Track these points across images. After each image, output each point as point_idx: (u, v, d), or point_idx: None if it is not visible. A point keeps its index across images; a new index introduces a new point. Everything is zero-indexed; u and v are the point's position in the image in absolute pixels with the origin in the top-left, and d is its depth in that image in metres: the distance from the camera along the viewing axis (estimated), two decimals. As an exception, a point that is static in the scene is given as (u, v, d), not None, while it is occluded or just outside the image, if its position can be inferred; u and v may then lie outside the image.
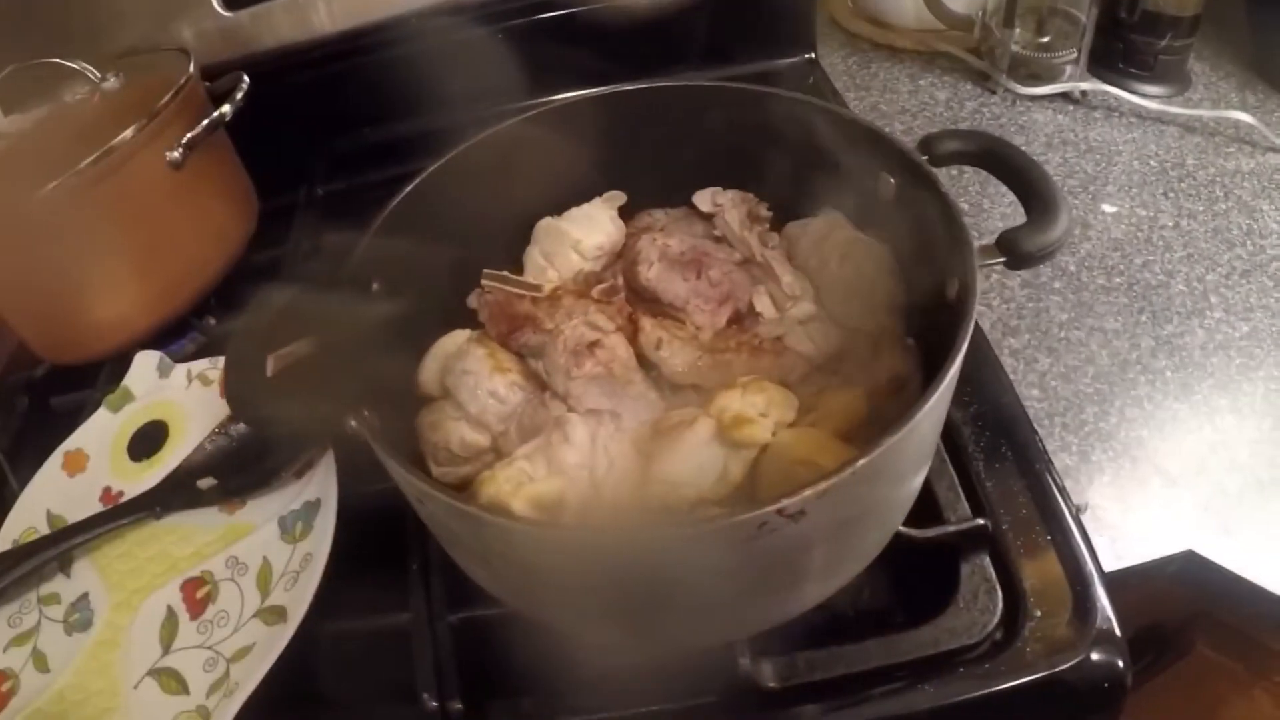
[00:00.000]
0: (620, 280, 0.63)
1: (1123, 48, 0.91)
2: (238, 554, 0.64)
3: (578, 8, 0.88)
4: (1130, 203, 0.83)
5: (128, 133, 0.73)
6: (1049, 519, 0.60)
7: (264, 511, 0.66)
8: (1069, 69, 0.91)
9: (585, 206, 0.67)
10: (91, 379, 0.80)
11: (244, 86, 0.79)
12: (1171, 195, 0.83)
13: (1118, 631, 0.55)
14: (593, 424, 0.55)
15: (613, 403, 0.56)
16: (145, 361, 0.76)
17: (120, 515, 0.67)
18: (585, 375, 0.56)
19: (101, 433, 0.73)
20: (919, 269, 0.59)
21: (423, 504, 0.48)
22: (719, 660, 0.54)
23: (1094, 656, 0.54)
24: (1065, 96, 0.93)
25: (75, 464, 0.72)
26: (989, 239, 0.53)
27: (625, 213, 0.68)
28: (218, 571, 0.64)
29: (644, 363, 0.59)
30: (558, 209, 0.67)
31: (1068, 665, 0.53)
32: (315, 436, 0.52)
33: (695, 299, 0.60)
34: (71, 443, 0.73)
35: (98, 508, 0.70)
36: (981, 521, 0.59)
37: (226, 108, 0.78)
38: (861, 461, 0.42)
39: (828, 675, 0.55)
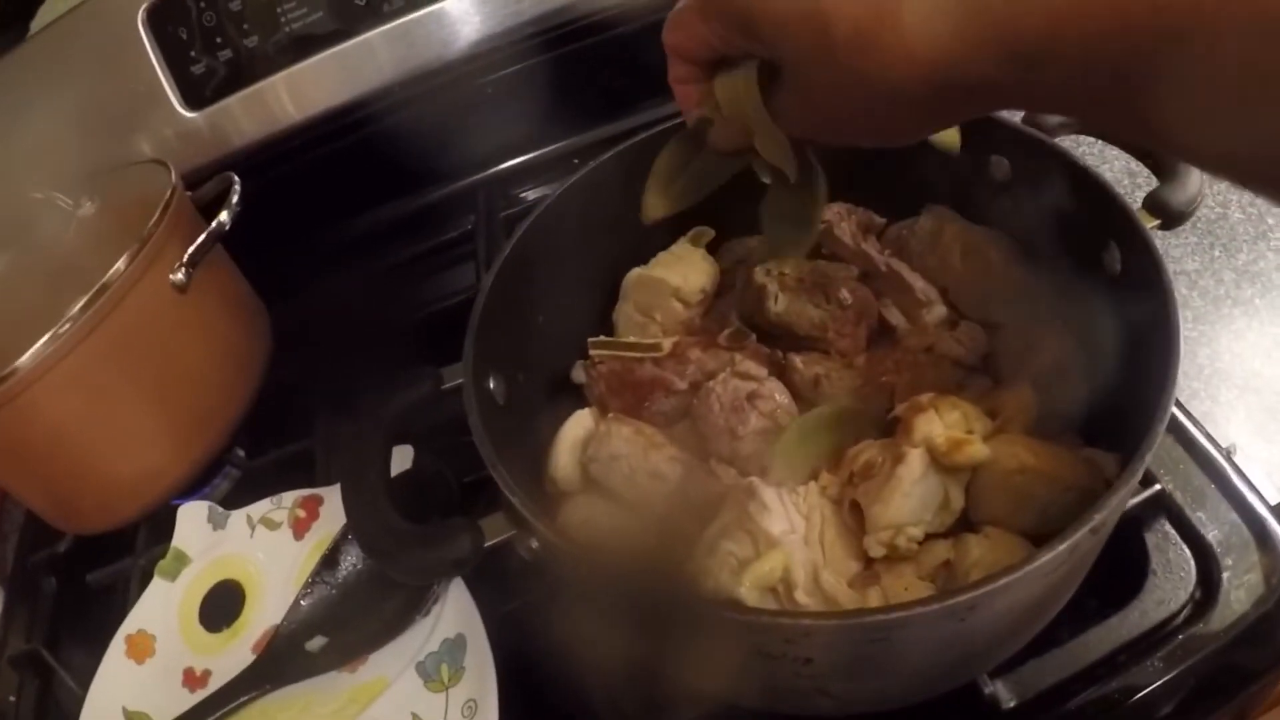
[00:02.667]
0: (736, 322, 0.59)
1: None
2: (378, 717, 0.56)
3: (566, 46, 0.83)
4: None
5: (120, 264, 0.64)
6: (1206, 468, 0.60)
7: (395, 662, 0.58)
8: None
9: (673, 249, 0.62)
10: (128, 545, 0.70)
11: (236, 189, 0.70)
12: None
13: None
14: (773, 484, 0.50)
15: (783, 455, 0.52)
16: (193, 514, 0.66)
17: (224, 701, 0.58)
18: (753, 431, 0.51)
19: (164, 607, 0.64)
20: (1049, 249, 0.57)
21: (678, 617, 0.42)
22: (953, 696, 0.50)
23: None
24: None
25: (141, 649, 0.63)
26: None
27: (712, 247, 0.63)
28: (358, 741, 0.56)
29: (800, 402, 0.54)
30: (637, 259, 0.62)
31: (1273, 603, 0.53)
32: (472, 564, 0.45)
33: (832, 324, 0.56)
34: (130, 624, 0.63)
35: (183, 694, 0.61)
36: (1159, 487, 0.58)
37: (225, 215, 0.69)
38: (1117, 497, 0.40)
39: (1059, 678, 0.52)
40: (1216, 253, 0.74)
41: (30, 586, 0.71)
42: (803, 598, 0.45)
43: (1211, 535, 0.56)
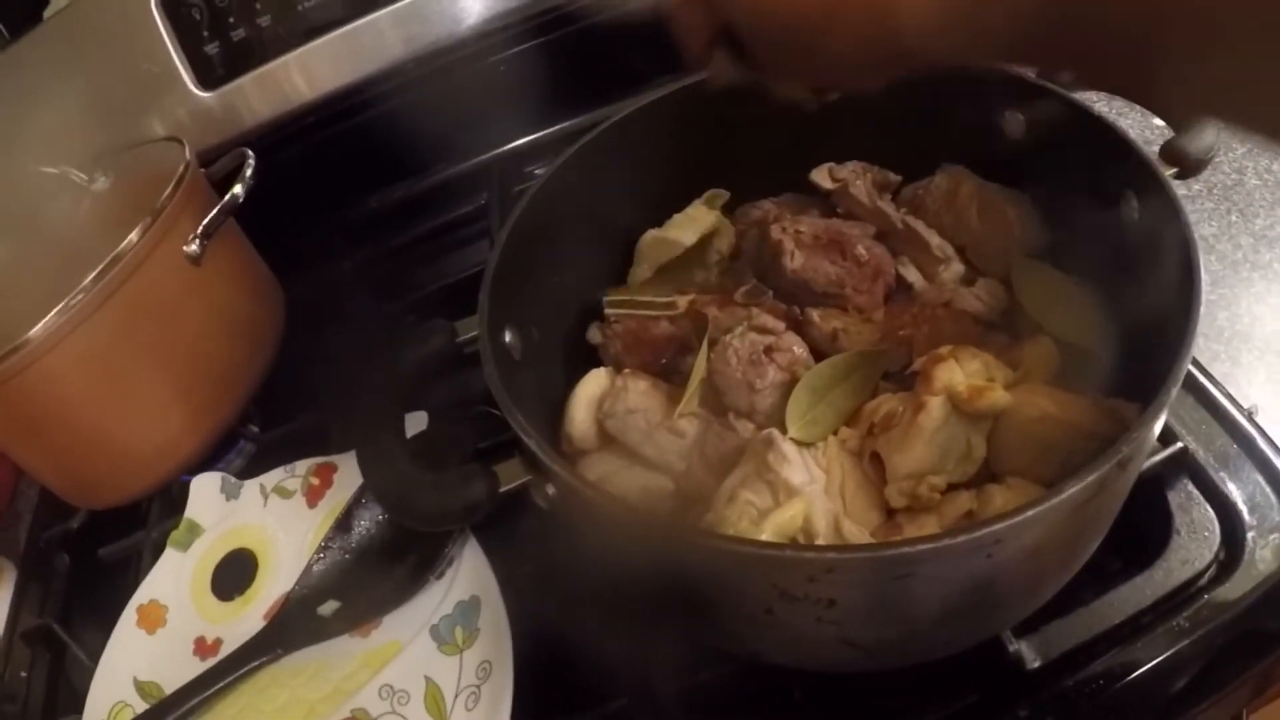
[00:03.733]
0: (752, 280, 0.58)
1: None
2: (392, 681, 0.55)
3: (550, 35, 0.83)
4: (1176, 112, 0.83)
5: (133, 235, 0.63)
6: (1229, 428, 0.59)
7: (408, 625, 0.57)
8: None
9: (688, 210, 0.62)
10: (140, 520, 0.70)
11: (251, 163, 0.70)
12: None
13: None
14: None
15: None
16: (206, 486, 0.66)
17: (229, 670, 0.57)
18: (771, 385, 0.51)
19: (176, 577, 0.64)
20: (1067, 203, 0.57)
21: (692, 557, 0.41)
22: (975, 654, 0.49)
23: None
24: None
25: (153, 619, 0.63)
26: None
27: (727, 210, 0.63)
28: (372, 707, 0.55)
29: (818, 356, 0.54)
30: (657, 220, 0.62)
31: None
32: (488, 508, 0.44)
33: (850, 280, 0.55)
34: (142, 594, 0.63)
35: (194, 662, 0.60)
36: (1181, 445, 0.57)
37: (239, 188, 0.68)
38: (1133, 443, 0.39)
39: (1083, 639, 0.51)
40: (1234, 217, 0.73)
41: (43, 564, 0.71)
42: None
43: (1236, 495, 0.56)
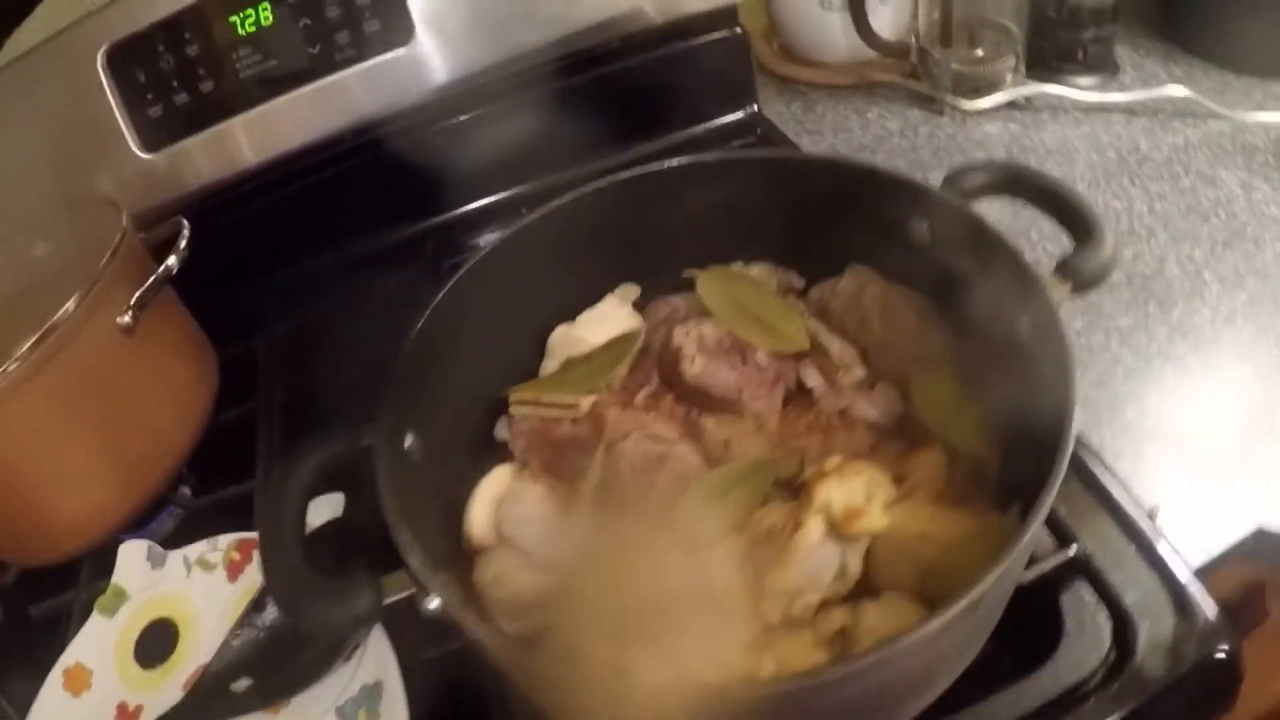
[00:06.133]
0: (655, 381, 0.60)
1: (1052, 46, 0.93)
2: (296, 759, 0.58)
3: (518, 94, 0.84)
4: (1103, 197, 0.84)
5: (69, 305, 0.65)
6: (1127, 530, 0.60)
7: (315, 706, 0.59)
8: (1009, 76, 0.92)
9: (599, 307, 0.63)
10: (72, 579, 0.71)
11: (185, 234, 0.72)
12: (1138, 181, 0.85)
13: (1221, 623, 0.55)
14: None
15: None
16: (133, 553, 0.67)
17: (149, 740, 0.59)
18: (659, 494, 0.52)
19: (101, 642, 0.65)
20: (967, 309, 0.58)
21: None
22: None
23: (1208, 653, 0.54)
24: (1011, 105, 0.94)
25: (78, 682, 0.64)
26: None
27: (640, 305, 0.65)
28: (279, 782, 0.57)
29: (711, 464, 0.55)
30: (568, 315, 0.64)
31: (1187, 668, 0.54)
32: (373, 621, 0.46)
33: (748, 386, 0.57)
34: (68, 658, 0.64)
35: (114, 730, 0.62)
36: (1074, 551, 0.58)
37: (172, 259, 0.70)
38: (987, 582, 0.40)
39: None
40: (1151, 308, 0.75)
41: (-26, 615, 0.72)
42: (695, 664, 0.46)
43: (1129, 598, 0.56)
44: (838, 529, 0.48)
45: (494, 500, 0.55)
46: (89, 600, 0.67)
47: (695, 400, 0.57)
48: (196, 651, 0.64)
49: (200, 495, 0.75)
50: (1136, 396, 0.69)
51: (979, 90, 0.93)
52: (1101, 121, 0.91)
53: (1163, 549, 0.58)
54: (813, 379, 0.59)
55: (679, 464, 0.53)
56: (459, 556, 0.56)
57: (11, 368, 0.63)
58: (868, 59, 0.99)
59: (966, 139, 0.93)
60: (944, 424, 0.55)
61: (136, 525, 0.72)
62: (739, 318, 0.58)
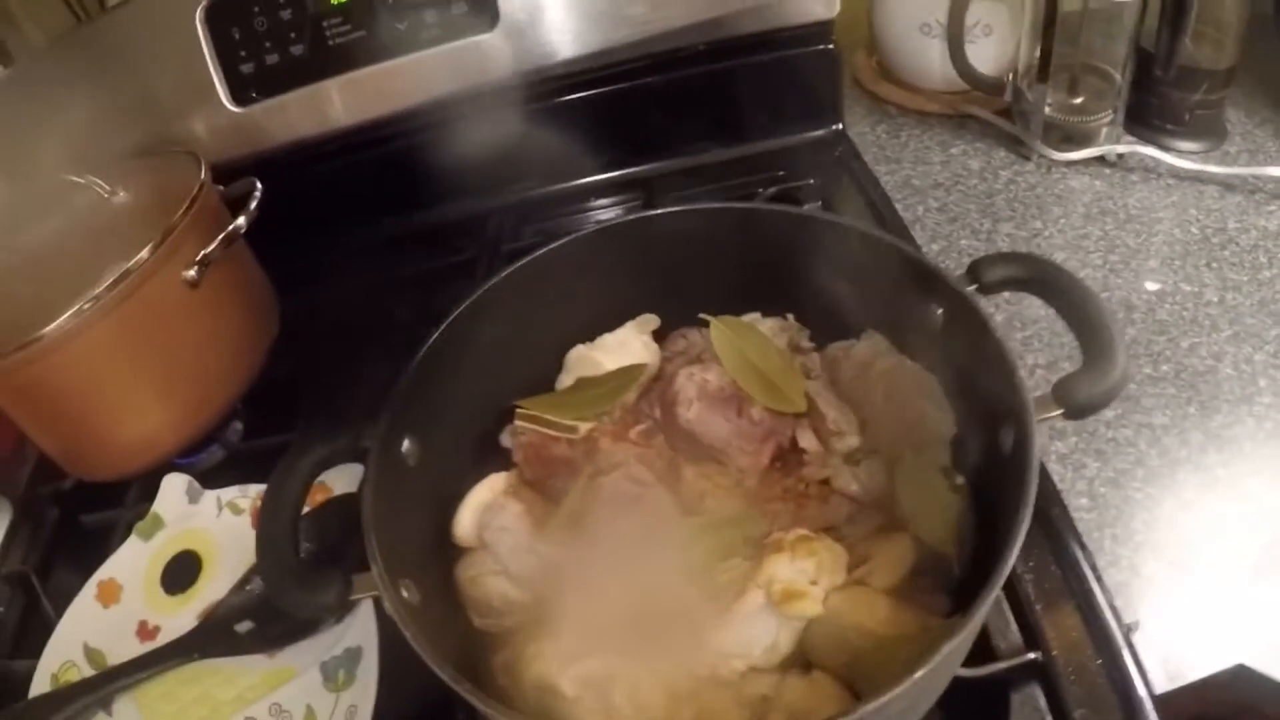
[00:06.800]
0: (658, 414, 0.62)
1: (1157, 103, 0.88)
2: (281, 700, 0.64)
3: (598, 89, 0.86)
4: (1174, 277, 0.80)
5: (143, 254, 0.71)
6: (1099, 642, 0.58)
7: (306, 656, 0.65)
8: (1104, 130, 0.88)
9: (618, 332, 0.65)
10: (120, 497, 0.79)
11: (257, 194, 0.76)
12: (1215, 265, 0.81)
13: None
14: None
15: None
16: (174, 486, 0.74)
17: (159, 660, 0.66)
18: (628, 534, 0.55)
19: (134, 562, 0.72)
20: (968, 402, 0.58)
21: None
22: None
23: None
24: (1101, 160, 0.90)
25: (109, 595, 0.72)
26: (1039, 374, 0.52)
27: (659, 334, 0.66)
28: (261, 718, 0.64)
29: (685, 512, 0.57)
30: (590, 334, 0.66)
31: None
32: (338, 613, 0.51)
33: (737, 440, 0.58)
34: (104, 572, 0.72)
35: (134, 642, 0.69)
36: (1033, 656, 0.58)
37: (241, 220, 0.75)
38: (917, 675, 0.41)
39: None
40: (1192, 409, 0.71)
41: (35, 513, 0.81)
42: (619, 700, 0.49)
43: (1079, 713, 0.55)
44: (775, 606, 0.49)
45: (481, 506, 0.59)
46: (132, 521, 0.75)
47: (684, 443, 0.59)
48: (214, 587, 0.71)
49: (248, 438, 0.82)
50: (1150, 504, 0.67)
51: (1071, 140, 0.89)
52: (1194, 193, 0.86)
53: (1129, 671, 0.57)
54: (807, 440, 0.60)
55: (652, 508, 0.55)
56: (448, 549, 0.61)
57: (86, 308, 0.69)
58: (963, 90, 0.96)
59: (1047, 191, 0.89)
60: (918, 513, 0.55)
61: (185, 455, 0.79)
62: (743, 370, 0.59)
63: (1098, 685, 0.57)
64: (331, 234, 0.91)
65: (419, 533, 0.58)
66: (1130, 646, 0.58)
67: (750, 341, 0.60)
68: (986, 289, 0.56)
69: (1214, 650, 0.60)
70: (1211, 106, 0.87)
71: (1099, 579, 0.61)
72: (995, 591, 0.45)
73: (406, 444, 0.57)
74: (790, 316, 0.65)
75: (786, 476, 0.58)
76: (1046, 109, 0.88)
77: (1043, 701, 0.57)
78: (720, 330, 0.60)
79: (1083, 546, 0.63)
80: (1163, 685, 0.58)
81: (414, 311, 0.85)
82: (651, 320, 0.66)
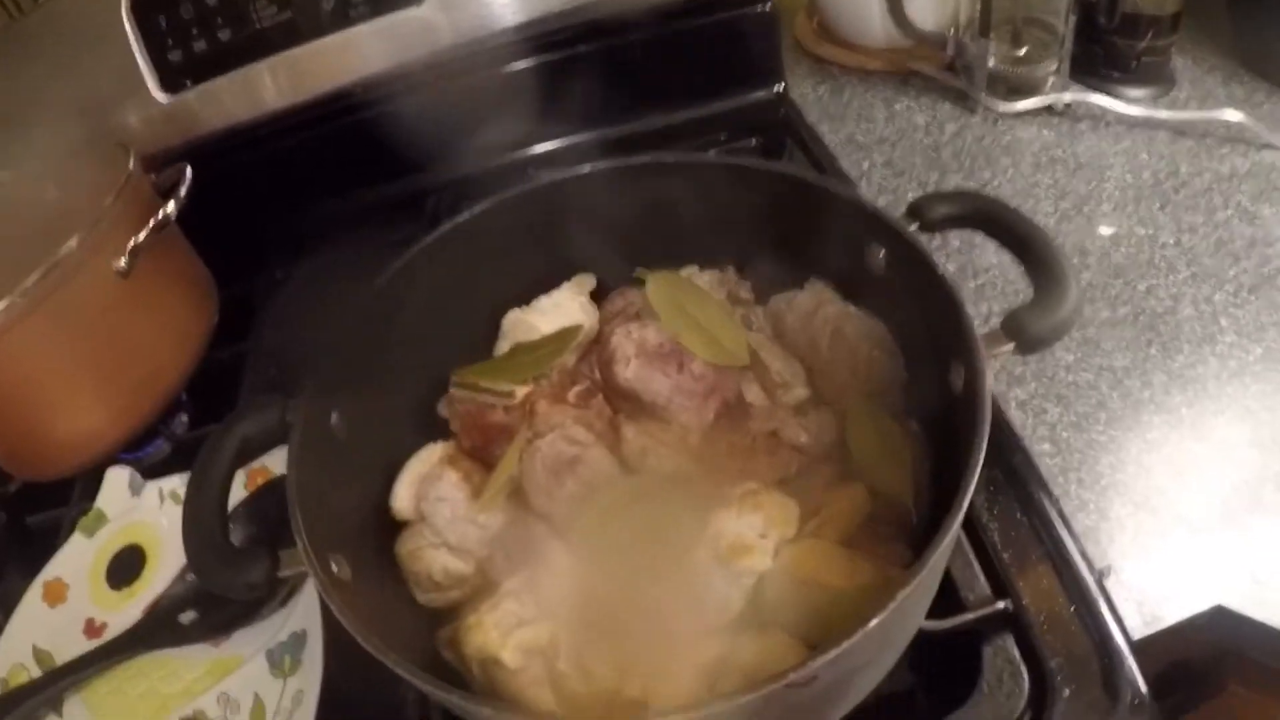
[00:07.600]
0: (598, 375, 0.60)
1: (1102, 52, 0.87)
2: (229, 690, 0.62)
3: (536, 58, 0.84)
4: (1128, 221, 0.79)
5: (71, 243, 0.69)
6: (1071, 589, 0.57)
7: (251, 643, 0.63)
8: (1050, 80, 0.87)
9: (553, 294, 0.64)
10: (65, 495, 0.77)
11: (187, 180, 0.75)
12: (1169, 208, 0.79)
13: (1148, 702, 0.52)
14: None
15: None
16: (116, 479, 0.72)
17: (104, 656, 0.64)
18: (567, 496, 0.53)
19: (79, 559, 0.70)
20: (917, 345, 0.57)
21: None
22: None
23: (1127, 732, 0.51)
24: (1049, 110, 0.88)
25: (55, 594, 0.70)
26: (994, 321, 0.50)
27: (599, 295, 0.65)
28: (210, 710, 0.61)
29: (626, 471, 0.55)
30: (528, 299, 0.64)
31: None
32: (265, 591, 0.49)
33: (678, 396, 0.56)
34: (50, 571, 0.70)
35: (82, 640, 0.67)
36: (1002, 605, 0.56)
37: (171, 206, 0.74)
38: (871, 624, 0.39)
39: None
40: (1153, 350, 0.70)
41: (-19, 517, 0.79)
42: (564, 667, 0.48)
43: (1054, 661, 0.54)
44: (721, 560, 0.48)
45: (418, 478, 0.57)
46: (76, 518, 0.73)
47: (625, 403, 0.58)
48: (159, 579, 0.68)
49: (195, 428, 0.80)
50: (1115, 446, 0.66)
51: (1017, 91, 0.88)
52: (1144, 138, 0.85)
53: (1103, 616, 0.56)
54: (753, 394, 0.58)
55: (590, 469, 0.53)
56: (393, 526, 0.59)
57: (16, 302, 0.67)
58: (906, 46, 0.95)
59: (994, 142, 0.88)
60: (871, 462, 0.54)
61: (133, 450, 0.77)
62: (682, 324, 0.58)
63: (1072, 633, 0.56)
64: (273, 217, 0.89)
65: (356, 509, 0.56)
66: (1104, 592, 0.57)
67: (688, 295, 0.59)
68: (928, 226, 0.55)
69: (1190, 593, 0.59)
70: (1158, 53, 0.86)
71: (1067, 524, 0.60)
72: (953, 531, 0.43)
73: (335, 417, 0.55)
74: (732, 269, 0.63)
75: (733, 432, 0.56)
76: (990, 62, 0.87)
77: (1016, 653, 0.55)
78: (656, 285, 0.59)
79: (1048, 492, 0.62)
80: (1139, 630, 0.57)
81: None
82: (588, 280, 0.64)
